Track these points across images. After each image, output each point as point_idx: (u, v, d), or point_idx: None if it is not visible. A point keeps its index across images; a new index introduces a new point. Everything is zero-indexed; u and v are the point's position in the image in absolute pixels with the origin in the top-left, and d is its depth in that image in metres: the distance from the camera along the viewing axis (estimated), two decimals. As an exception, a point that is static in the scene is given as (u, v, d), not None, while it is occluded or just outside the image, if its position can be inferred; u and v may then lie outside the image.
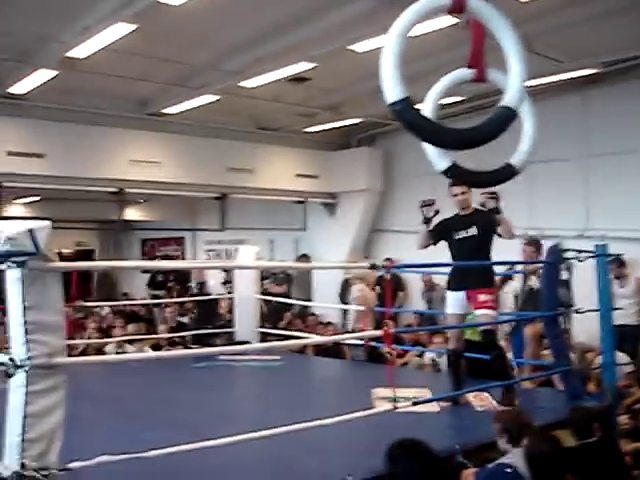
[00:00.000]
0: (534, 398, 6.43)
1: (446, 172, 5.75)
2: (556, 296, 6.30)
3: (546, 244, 6.65)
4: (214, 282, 9.34)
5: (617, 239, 9.24)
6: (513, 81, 4.84)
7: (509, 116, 4.87)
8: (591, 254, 6.23)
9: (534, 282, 7.01)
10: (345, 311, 12.57)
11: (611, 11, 7.66)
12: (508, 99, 4.87)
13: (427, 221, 5.94)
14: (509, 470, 3.55)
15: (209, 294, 10.39)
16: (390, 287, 5.56)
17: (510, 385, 5.92)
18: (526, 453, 3.78)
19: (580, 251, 6.30)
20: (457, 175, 5.73)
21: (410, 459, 3.31)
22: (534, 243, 7.42)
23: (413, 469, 3.27)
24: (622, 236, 9.55)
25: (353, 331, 9.14)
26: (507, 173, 5.82)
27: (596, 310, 6.25)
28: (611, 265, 8.12)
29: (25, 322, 3.25)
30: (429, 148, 5.66)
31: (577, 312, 6.75)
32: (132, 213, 16.30)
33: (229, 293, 10.52)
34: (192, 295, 10.52)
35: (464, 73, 5.35)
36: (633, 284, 9.53)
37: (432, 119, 5.22)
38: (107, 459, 3.54)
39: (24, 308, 3.25)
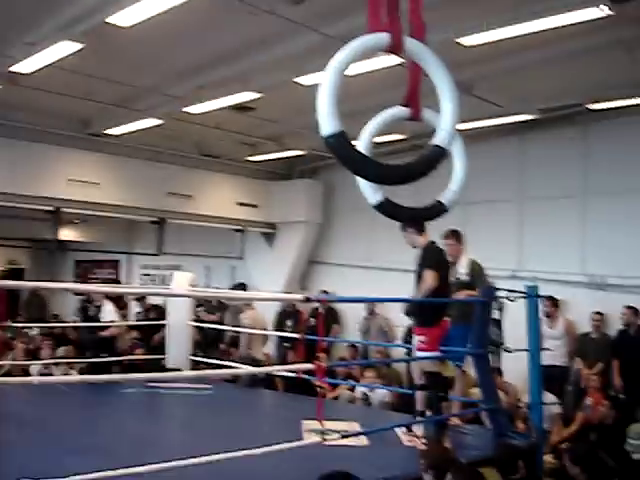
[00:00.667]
0: (462, 435, 6.48)
1: (377, 207, 5.80)
2: (487, 334, 6.39)
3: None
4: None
5: (548, 281, 9.48)
6: (445, 121, 4.93)
7: (439, 154, 4.95)
8: (522, 294, 6.35)
9: (462, 274, 6.96)
10: (280, 342, 12.55)
11: (549, 60, 7.91)
12: (439, 138, 4.96)
13: None
14: None
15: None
16: (323, 320, 5.55)
17: (442, 421, 5.98)
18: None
19: (512, 291, 6.42)
20: (388, 210, 5.78)
21: None
22: (452, 234, 7.18)
23: None
24: (553, 278, 9.79)
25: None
26: (436, 210, 5.90)
27: (526, 350, 6.36)
28: (544, 303, 8.32)
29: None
30: (362, 182, 5.71)
31: (507, 351, 6.88)
32: (67, 233, 15.98)
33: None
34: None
35: (399, 111, 5.44)
36: (561, 325, 9.73)
37: (366, 154, 5.28)
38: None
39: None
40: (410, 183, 5.03)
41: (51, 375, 9.01)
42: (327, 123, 4.56)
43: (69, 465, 4.30)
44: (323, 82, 4.57)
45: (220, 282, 14.66)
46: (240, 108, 9.87)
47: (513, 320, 7.18)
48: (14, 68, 8.27)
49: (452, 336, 6.31)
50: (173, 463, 4.07)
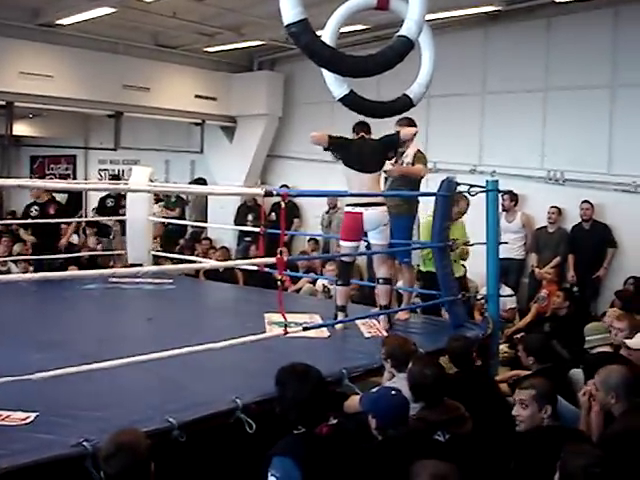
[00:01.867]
0: (420, 326, 6.65)
1: (343, 99, 5.70)
2: (447, 228, 6.46)
3: (440, 177, 6.75)
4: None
5: (508, 175, 9.57)
6: (412, 11, 4.82)
7: (406, 46, 4.85)
8: (482, 188, 6.40)
9: (405, 163, 6.69)
10: (240, 236, 12.59)
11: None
12: (406, 29, 4.85)
13: None
14: (394, 392, 3.66)
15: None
16: (284, 214, 5.55)
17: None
18: (409, 377, 3.91)
19: (472, 185, 6.46)
20: (353, 103, 5.69)
21: (300, 382, 3.37)
22: (406, 122, 6.60)
23: (302, 392, 3.33)
24: (512, 173, 9.86)
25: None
26: (403, 104, 5.83)
27: (483, 243, 6.46)
28: (503, 197, 8.41)
29: None
30: (327, 74, 5.59)
31: (465, 244, 7.00)
32: (21, 128, 15.55)
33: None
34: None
35: (367, 0, 5.29)
36: (519, 219, 9.88)
37: (330, 45, 5.15)
38: (-11, 381, 3.45)
39: None
40: (374, 76, 4.95)
41: (9, 272, 8.96)
42: (290, 11, 4.44)
43: (33, 362, 4.32)
44: None
45: (180, 177, 14.52)
46: (197, -4, 9.54)
47: (472, 214, 7.23)
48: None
49: (396, 227, 6.38)
50: (138, 357, 4.12)
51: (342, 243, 6.27)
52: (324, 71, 5.51)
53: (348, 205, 6.15)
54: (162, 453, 2.89)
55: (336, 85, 5.61)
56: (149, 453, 2.76)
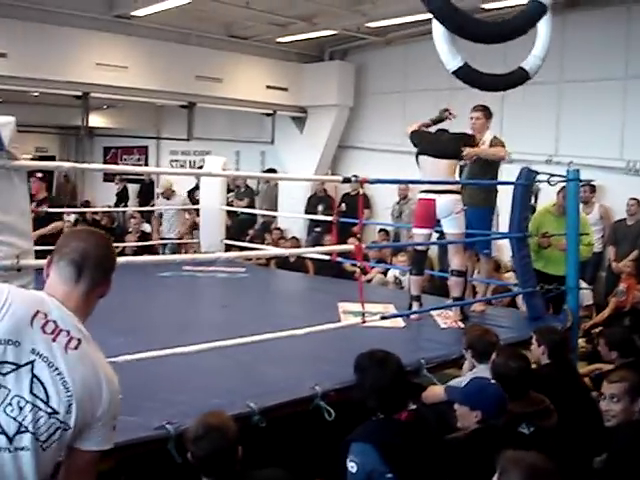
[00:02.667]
0: (497, 317, 6.52)
1: (457, 71, 5.46)
2: (526, 218, 6.33)
3: (515, 168, 6.61)
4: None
5: (585, 166, 9.30)
6: None
7: (540, 11, 4.75)
8: (563, 178, 6.23)
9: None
10: (311, 227, 12.60)
11: None
12: None
13: (435, 122, 6.35)
14: (493, 382, 3.59)
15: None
16: (361, 202, 5.52)
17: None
18: (493, 368, 3.82)
19: (552, 175, 6.30)
20: (467, 76, 5.48)
21: (380, 368, 3.33)
22: (482, 109, 6.62)
23: (382, 378, 3.29)
24: (589, 163, 9.58)
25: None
26: (519, 78, 5.58)
27: (563, 234, 6.30)
28: (582, 189, 8.18)
29: (-10, 222, 3.14)
30: (441, 45, 5.31)
31: (544, 236, 6.83)
32: (95, 119, 15.83)
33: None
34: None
35: None
36: (597, 211, 9.62)
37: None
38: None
39: (-12, 207, 3.14)
40: (508, 41, 4.83)
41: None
42: None
43: (115, 345, 4.37)
44: None
45: (250, 167, 14.60)
46: (270, -14, 9.55)
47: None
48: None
49: (474, 218, 6.27)
50: (217, 343, 4.14)
51: (415, 230, 6.24)
52: (437, 42, 5.26)
53: (421, 192, 6.10)
54: (242, 438, 2.88)
55: (450, 57, 5.27)
56: (237, 436, 2.75)
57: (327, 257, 7.95)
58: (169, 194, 10.78)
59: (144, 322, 5.63)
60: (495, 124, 9.53)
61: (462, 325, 5.80)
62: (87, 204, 16.70)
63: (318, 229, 11.97)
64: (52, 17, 10.25)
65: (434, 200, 5.91)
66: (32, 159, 17.90)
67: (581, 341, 7.40)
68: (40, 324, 2.10)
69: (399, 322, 5.83)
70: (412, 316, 5.99)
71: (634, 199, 9.39)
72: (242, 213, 12.14)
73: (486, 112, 6.51)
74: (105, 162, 19.09)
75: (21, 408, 2.04)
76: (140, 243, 9.67)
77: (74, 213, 12.31)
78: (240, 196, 13.23)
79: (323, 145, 13.20)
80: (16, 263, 3.19)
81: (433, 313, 6.20)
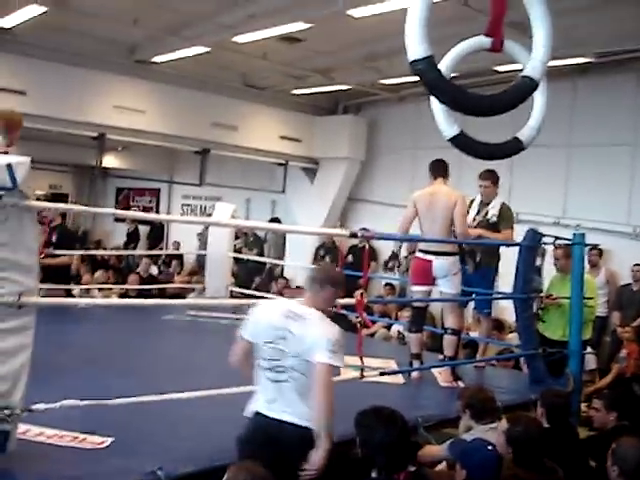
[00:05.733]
0: (498, 378, 6.49)
1: (453, 139, 5.62)
2: (530, 279, 6.33)
3: (522, 229, 6.64)
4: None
5: (592, 229, 9.34)
6: (537, 51, 4.77)
7: (530, 87, 4.82)
8: (569, 241, 6.26)
9: (491, 215, 6.63)
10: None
11: (608, 1, 7.62)
12: (530, 69, 4.82)
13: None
14: (490, 448, 3.56)
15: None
16: (367, 255, 5.56)
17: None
18: (510, 437, 3.76)
19: (558, 238, 6.33)
20: (463, 144, 5.61)
21: (387, 426, 3.33)
22: (490, 175, 6.70)
23: (390, 436, 3.29)
24: (597, 227, 9.63)
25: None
26: (514, 147, 5.72)
27: (567, 298, 6.30)
28: (588, 252, 8.19)
29: (-3, 259, 3.19)
30: (438, 114, 5.53)
31: (548, 297, 6.82)
32: (110, 160, 16.06)
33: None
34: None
35: (481, 41, 5.26)
36: (603, 275, 9.62)
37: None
38: (71, 403, 3.51)
39: (-3, 245, 3.18)
40: (497, 115, 4.91)
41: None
42: (416, 47, 4.45)
43: (114, 388, 4.38)
44: (414, 3, 4.43)
45: (260, 215, 14.71)
46: (288, 39, 9.72)
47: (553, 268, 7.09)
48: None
49: (476, 278, 6.29)
50: (215, 391, 4.14)
51: (413, 288, 6.26)
52: (435, 110, 5.48)
53: (419, 251, 6.14)
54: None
55: (446, 125, 5.53)
56: None
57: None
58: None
59: (142, 364, 5.63)
60: (504, 184, 9.66)
61: (461, 384, 5.77)
62: (98, 244, 16.80)
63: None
64: (73, 58, 10.48)
65: (431, 261, 5.96)
66: (45, 196, 18.12)
67: (583, 406, 7.32)
68: None
69: (399, 378, 5.81)
70: (413, 374, 5.97)
71: (639, 264, 9.40)
72: (249, 260, 12.19)
73: (493, 178, 6.59)
74: (117, 202, 19.27)
75: None
76: (148, 286, 9.69)
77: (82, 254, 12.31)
78: (250, 245, 13.32)
79: (333, 197, 13.31)
80: (17, 300, 3.22)
81: (434, 371, 6.17)
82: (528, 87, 4.83)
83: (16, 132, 5.21)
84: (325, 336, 3.48)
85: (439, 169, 6.15)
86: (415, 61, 4.51)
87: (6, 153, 4.41)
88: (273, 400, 3.54)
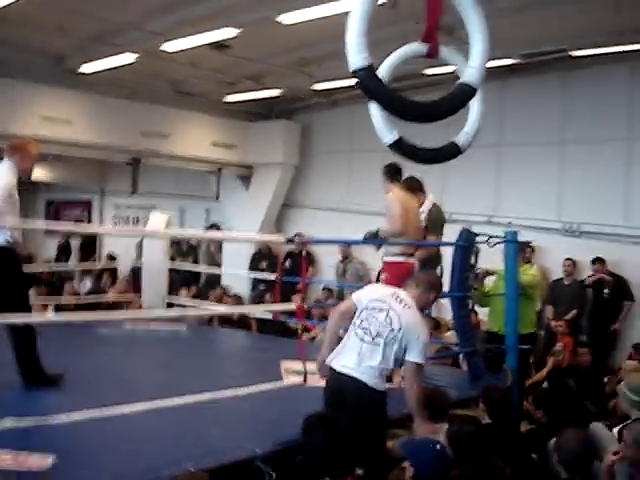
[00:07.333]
0: (438, 376, 6.55)
1: (392, 145, 5.66)
2: (466, 278, 6.42)
3: (456, 228, 6.74)
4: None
5: (524, 227, 9.53)
6: (475, 58, 4.84)
7: (469, 93, 4.89)
8: (501, 239, 6.38)
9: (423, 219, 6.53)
10: (254, 284, 12.57)
11: (533, 4, 7.80)
12: (468, 76, 4.88)
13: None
14: (438, 447, 3.60)
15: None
16: (305, 261, 5.56)
17: None
18: (449, 436, 3.81)
19: (491, 236, 6.44)
20: (402, 149, 5.66)
21: (328, 431, 3.33)
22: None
23: (330, 441, 3.29)
24: (528, 225, 9.84)
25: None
26: (451, 152, 5.79)
27: (502, 294, 6.42)
28: (522, 250, 8.34)
29: None
30: (378, 119, 5.57)
31: (485, 295, 6.94)
32: (38, 172, 15.66)
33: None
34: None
35: (417, 47, 5.31)
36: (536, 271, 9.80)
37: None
38: (10, 425, 3.42)
39: None
40: (437, 121, 4.97)
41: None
42: (355, 56, 4.51)
43: (51, 404, 4.29)
44: (354, 12, 4.47)
45: (195, 223, 14.59)
46: (217, 46, 9.65)
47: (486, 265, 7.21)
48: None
49: None
50: (155, 403, 4.08)
51: None
52: (373, 118, 5.52)
53: (401, 255, 6.06)
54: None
55: (386, 131, 5.56)
56: None
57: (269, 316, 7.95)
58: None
59: (80, 380, 5.49)
60: (437, 184, 9.83)
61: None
62: (30, 258, 16.35)
63: (262, 287, 11.95)
64: (-1, 69, 10.20)
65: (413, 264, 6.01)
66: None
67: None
68: None
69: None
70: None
71: (570, 259, 9.65)
72: (183, 270, 12.06)
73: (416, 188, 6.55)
74: (47, 215, 18.81)
75: None
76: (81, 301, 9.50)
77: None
78: (184, 254, 13.19)
79: (268, 202, 13.29)
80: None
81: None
82: (467, 94, 4.91)
83: None
84: (423, 338, 4.08)
85: (396, 173, 6.18)
86: (355, 70, 4.58)
87: None
88: (354, 360, 4.01)
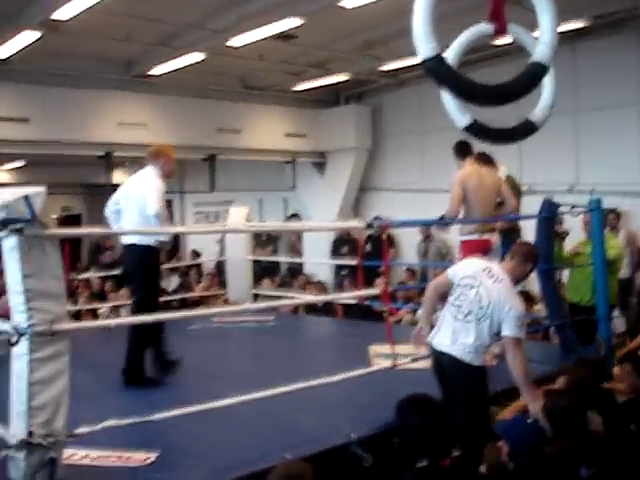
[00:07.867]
0: (529, 351, 6.46)
1: (467, 128, 5.65)
2: (552, 250, 6.31)
3: (537, 199, 6.61)
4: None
5: (606, 193, 9.26)
6: (544, 35, 4.76)
7: (541, 72, 4.81)
8: (585, 208, 6.23)
9: None
10: (337, 269, 12.63)
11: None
12: (540, 54, 4.80)
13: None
14: (529, 420, 3.59)
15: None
16: (386, 245, 5.56)
17: None
18: (545, 411, 3.77)
19: (574, 206, 6.30)
20: (478, 131, 5.63)
21: (423, 412, 3.35)
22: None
23: (426, 422, 3.31)
24: (611, 190, 9.55)
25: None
26: (527, 129, 5.74)
27: (591, 264, 6.28)
28: (608, 217, 8.14)
29: (25, 290, 3.22)
30: (450, 104, 5.57)
31: (573, 266, 6.79)
32: (119, 176, 16.10)
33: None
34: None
35: (484, 28, 5.26)
36: (623, 237, 9.55)
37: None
38: (113, 424, 3.54)
39: (23, 276, 3.21)
40: (510, 103, 4.93)
41: (119, 317, 9.22)
42: (424, 46, 4.51)
43: (151, 402, 4.43)
44: (418, 2, 4.46)
45: (273, 214, 14.73)
46: (282, 37, 9.70)
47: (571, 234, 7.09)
48: (53, 16, 8.19)
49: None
50: (249, 396, 4.15)
51: None
52: (446, 102, 5.53)
53: (473, 232, 6.02)
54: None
55: (459, 115, 5.58)
56: None
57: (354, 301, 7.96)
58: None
59: (176, 377, 5.65)
60: (514, 157, 9.65)
61: (494, 363, 5.74)
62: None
63: (343, 272, 11.99)
64: (72, 80, 10.50)
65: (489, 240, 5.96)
66: (58, 218, 18.22)
67: (617, 369, 7.29)
68: None
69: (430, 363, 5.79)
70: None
71: (659, 222, 9.35)
72: (266, 261, 12.21)
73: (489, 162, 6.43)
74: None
75: None
76: (169, 298, 9.72)
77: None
78: (262, 245, 13.33)
79: (344, 188, 13.30)
80: (49, 328, 3.26)
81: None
82: (539, 72, 4.82)
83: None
84: (516, 311, 4.06)
85: (465, 149, 6.12)
86: (425, 60, 4.57)
87: None
88: (449, 337, 4.15)
